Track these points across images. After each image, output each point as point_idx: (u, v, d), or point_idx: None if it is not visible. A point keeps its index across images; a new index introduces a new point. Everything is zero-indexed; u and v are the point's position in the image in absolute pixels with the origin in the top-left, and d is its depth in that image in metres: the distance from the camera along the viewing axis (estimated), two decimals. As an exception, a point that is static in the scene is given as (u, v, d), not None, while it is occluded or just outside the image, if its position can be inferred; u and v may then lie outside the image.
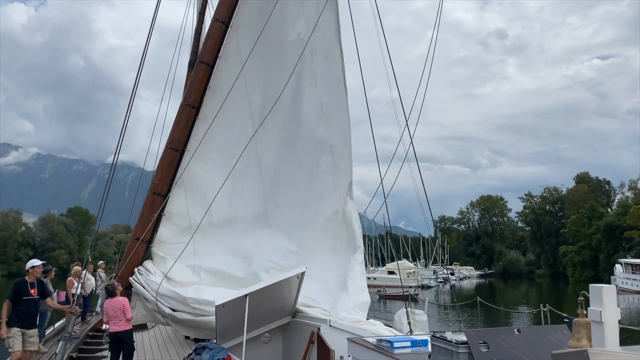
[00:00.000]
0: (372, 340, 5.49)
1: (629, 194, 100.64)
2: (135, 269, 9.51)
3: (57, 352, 8.50)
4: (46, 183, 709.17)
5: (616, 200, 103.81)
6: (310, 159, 9.79)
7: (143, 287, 9.21)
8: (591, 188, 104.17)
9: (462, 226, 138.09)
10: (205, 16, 16.75)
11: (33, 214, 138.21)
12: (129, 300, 9.23)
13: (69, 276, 14.80)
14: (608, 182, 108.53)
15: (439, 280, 78.49)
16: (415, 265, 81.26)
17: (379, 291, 50.32)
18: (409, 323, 8.52)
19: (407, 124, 9.19)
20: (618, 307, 3.50)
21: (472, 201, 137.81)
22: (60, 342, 8.70)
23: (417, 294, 41.55)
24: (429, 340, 4.83)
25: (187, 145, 9.72)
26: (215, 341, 7.54)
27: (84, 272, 13.03)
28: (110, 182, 9.98)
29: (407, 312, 8.70)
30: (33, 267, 9.14)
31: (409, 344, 5.07)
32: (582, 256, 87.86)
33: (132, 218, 11.73)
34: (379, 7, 9.70)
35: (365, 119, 9.91)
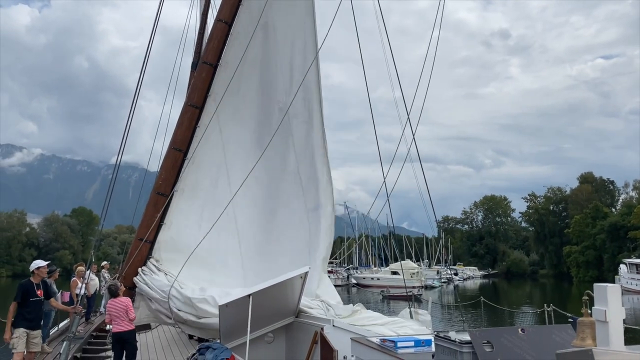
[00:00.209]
0: (376, 340, 5.48)
1: (633, 193, 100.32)
2: (139, 269, 9.53)
3: (61, 352, 8.53)
4: (50, 184, 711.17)
5: (620, 200, 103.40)
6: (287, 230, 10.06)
7: (148, 286, 9.22)
8: (595, 188, 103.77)
9: (466, 226, 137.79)
10: (208, 17, 16.76)
11: (37, 215, 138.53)
12: (133, 301, 9.24)
13: (73, 276, 14.84)
14: (612, 182, 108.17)
15: (442, 280, 78.34)
16: (418, 265, 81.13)
17: (382, 291, 50.24)
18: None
19: (409, 123, 9.18)
20: (622, 306, 3.49)
21: (475, 201, 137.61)
22: (65, 342, 8.73)
23: (421, 294, 41.41)
24: (433, 339, 4.83)
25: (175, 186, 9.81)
26: (218, 341, 7.55)
27: (88, 272, 13.07)
28: (113, 182, 10.02)
29: (410, 312, 8.69)
30: (38, 267, 9.14)
31: (412, 343, 5.06)
32: (586, 256, 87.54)
33: (135, 218, 11.74)
34: (382, 7, 9.70)
35: (368, 119, 9.92)
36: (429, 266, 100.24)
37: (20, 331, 8.72)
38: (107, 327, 9.16)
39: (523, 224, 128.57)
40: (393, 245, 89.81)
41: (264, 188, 10.16)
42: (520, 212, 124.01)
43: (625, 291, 47.97)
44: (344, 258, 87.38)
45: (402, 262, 69.97)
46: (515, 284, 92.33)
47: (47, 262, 9.58)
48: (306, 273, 7.87)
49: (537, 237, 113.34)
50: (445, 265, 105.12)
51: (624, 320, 3.54)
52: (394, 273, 63.31)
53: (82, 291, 12.65)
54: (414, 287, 47.16)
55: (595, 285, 3.55)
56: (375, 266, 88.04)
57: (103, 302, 16.13)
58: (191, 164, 9.87)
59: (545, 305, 14.80)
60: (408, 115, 9.16)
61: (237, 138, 10.23)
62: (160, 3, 11.09)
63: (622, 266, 62.73)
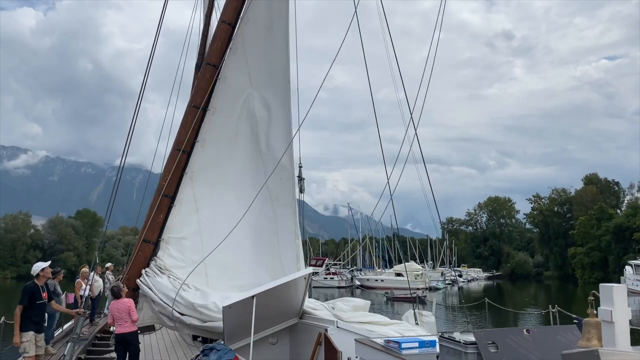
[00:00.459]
0: (380, 341, 5.46)
1: (638, 195, 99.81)
2: (143, 271, 9.53)
3: (65, 353, 8.53)
4: (55, 186, 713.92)
5: (625, 202, 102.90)
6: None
7: (151, 290, 9.22)
8: (600, 189, 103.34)
9: (470, 228, 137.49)
10: (212, 19, 16.81)
11: (42, 217, 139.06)
12: (136, 302, 9.24)
13: (78, 278, 14.87)
14: (617, 183, 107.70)
15: (446, 282, 78.15)
16: (422, 267, 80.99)
17: (386, 293, 50.13)
18: (417, 324, 8.49)
19: (413, 124, 9.16)
20: (629, 307, 3.46)
21: (479, 203, 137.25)
22: (69, 344, 8.74)
23: (425, 296, 41.38)
24: (437, 340, 4.81)
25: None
26: (222, 342, 7.54)
27: (92, 274, 13.09)
28: (117, 184, 10.03)
29: (414, 313, 8.67)
30: (43, 269, 9.14)
31: (416, 344, 5.04)
32: (591, 258, 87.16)
33: (139, 220, 11.77)
34: (386, 8, 9.70)
35: (371, 120, 9.90)
36: (433, 268, 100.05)
37: (30, 335, 8.71)
38: (111, 328, 9.16)
39: (527, 226, 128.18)
40: (397, 247, 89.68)
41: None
42: (524, 214, 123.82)
43: (631, 293, 47.71)
44: (348, 260, 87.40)
45: (406, 263, 69.92)
46: (520, 285, 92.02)
47: (47, 263, 9.56)
48: (310, 274, 7.86)
49: (542, 238, 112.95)
50: (450, 267, 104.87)
51: (630, 321, 3.51)
52: (398, 275, 63.21)
53: (87, 293, 12.67)
54: (418, 289, 47.08)
55: (601, 285, 3.52)
56: (379, 268, 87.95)
57: (107, 303, 16.16)
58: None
59: (550, 306, 14.75)
60: (412, 116, 9.15)
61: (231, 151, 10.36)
62: (164, 5, 11.13)
63: (627, 268, 62.40)
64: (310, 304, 8.75)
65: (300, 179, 11.41)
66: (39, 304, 8.88)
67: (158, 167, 12.84)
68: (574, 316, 12.46)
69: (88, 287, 12.72)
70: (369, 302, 9.52)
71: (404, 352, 4.86)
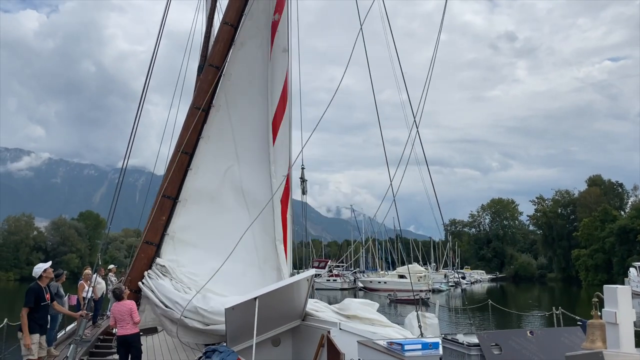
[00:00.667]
0: (383, 343, 5.44)
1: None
2: (145, 273, 9.52)
3: (68, 355, 8.53)
4: (58, 187, 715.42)
5: (629, 203, 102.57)
6: None
7: (152, 291, 9.21)
8: (604, 191, 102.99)
9: (473, 229, 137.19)
10: (215, 20, 16.82)
11: (45, 218, 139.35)
12: (138, 304, 9.23)
13: (80, 280, 14.87)
14: (621, 185, 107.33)
15: (450, 284, 77.98)
16: (425, 269, 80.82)
17: (389, 295, 50.04)
18: (420, 326, 8.47)
19: (416, 125, 9.14)
20: (633, 308, 3.43)
21: (482, 204, 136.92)
22: (72, 346, 8.73)
23: (428, 298, 41.26)
24: (440, 342, 4.78)
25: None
26: (225, 344, 7.53)
27: (94, 275, 13.09)
28: (120, 186, 10.04)
29: (417, 315, 8.64)
30: (45, 270, 9.13)
31: (419, 346, 5.02)
32: (595, 260, 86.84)
33: (142, 222, 11.76)
34: (388, 9, 9.69)
35: (373, 122, 9.89)
36: (437, 270, 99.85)
37: (36, 337, 8.69)
38: (113, 330, 9.15)
39: (531, 227, 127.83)
40: (400, 249, 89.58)
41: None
42: (527, 215, 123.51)
43: (635, 295, 47.47)
44: (351, 262, 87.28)
45: (410, 265, 69.79)
46: (523, 287, 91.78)
47: (48, 264, 9.54)
48: (312, 276, 7.85)
49: (545, 240, 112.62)
50: (453, 269, 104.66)
51: (634, 323, 3.49)
52: (401, 277, 63.09)
53: (89, 295, 12.67)
54: (421, 291, 47.00)
55: (605, 286, 3.50)
56: (382, 270, 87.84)
57: (109, 305, 16.16)
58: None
59: (553, 308, 14.69)
60: (414, 117, 9.13)
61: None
62: (166, 8, 11.15)
63: (631, 270, 62.10)
64: (312, 306, 8.74)
65: (303, 180, 11.44)
66: (43, 306, 8.87)
67: (161, 169, 12.86)
68: (578, 318, 12.39)
69: (91, 289, 12.73)
70: (376, 304, 9.50)
71: (407, 354, 4.83)
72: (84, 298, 13.82)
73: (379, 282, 68.13)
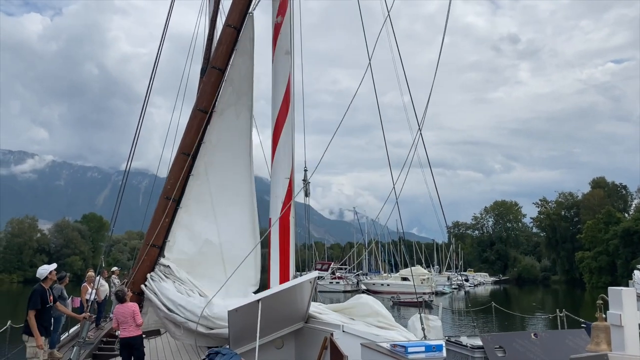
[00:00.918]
0: (386, 345, 5.43)
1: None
2: (148, 275, 9.52)
3: (71, 357, 8.54)
4: (61, 190, 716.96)
5: (633, 205, 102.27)
6: None
7: (155, 294, 9.21)
8: (607, 193, 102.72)
9: (476, 232, 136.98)
10: (217, 23, 16.84)
11: (48, 221, 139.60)
12: (141, 306, 9.22)
13: (84, 282, 14.90)
14: (625, 187, 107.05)
15: (453, 286, 77.79)
16: (428, 271, 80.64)
17: (392, 297, 49.94)
18: (423, 329, 8.44)
19: (419, 127, 9.13)
20: (638, 310, 3.41)
21: (485, 207, 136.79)
22: (75, 348, 8.75)
23: (432, 300, 41.19)
24: (444, 345, 4.76)
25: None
26: (228, 347, 7.52)
27: (98, 278, 13.11)
28: (123, 188, 10.07)
29: (421, 317, 8.61)
30: (51, 272, 9.12)
31: (423, 349, 5.00)
32: (599, 262, 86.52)
33: (145, 224, 11.78)
34: (390, 11, 9.68)
35: (376, 124, 9.89)
36: (440, 272, 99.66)
37: (42, 340, 8.71)
38: (116, 332, 9.15)
39: (534, 230, 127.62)
40: (403, 251, 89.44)
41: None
42: (531, 218, 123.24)
43: None
44: (354, 264, 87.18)
45: (412, 268, 69.69)
46: (527, 290, 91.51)
47: (54, 266, 9.53)
48: (315, 278, 7.84)
49: (549, 242, 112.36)
50: (456, 271, 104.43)
51: (639, 325, 3.46)
52: (404, 279, 63.01)
53: (92, 297, 12.69)
54: (424, 293, 46.86)
55: (610, 288, 3.48)
56: (385, 272, 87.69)
57: (112, 307, 16.17)
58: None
59: (557, 310, 14.64)
60: (417, 120, 9.12)
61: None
62: (169, 10, 11.19)
63: (636, 272, 61.34)
64: (315, 308, 8.72)
65: (306, 182, 11.42)
66: (48, 308, 8.87)
67: (164, 172, 12.86)
68: (582, 321, 12.34)
69: (94, 291, 12.74)
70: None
71: (410, 356, 4.82)
72: (87, 300, 13.85)
73: (382, 285, 67.99)
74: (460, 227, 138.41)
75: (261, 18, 10.89)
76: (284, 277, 10.33)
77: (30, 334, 8.58)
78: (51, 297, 9.04)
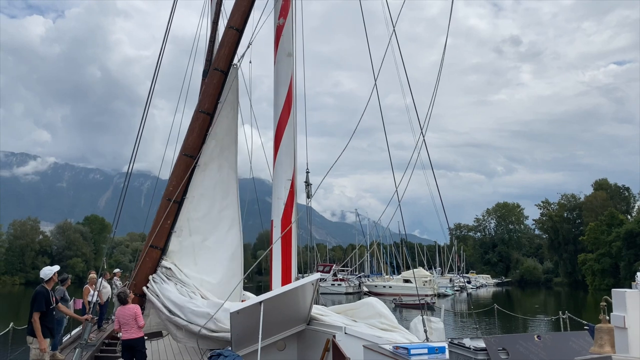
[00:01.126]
0: (389, 347, 5.41)
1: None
2: (150, 277, 9.52)
3: (73, 359, 8.53)
4: (63, 192, 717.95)
5: (636, 207, 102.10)
6: None
7: (157, 296, 9.20)
8: (610, 195, 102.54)
9: (478, 234, 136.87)
10: (219, 25, 16.87)
11: (50, 223, 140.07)
12: (143, 308, 9.22)
13: (86, 284, 14.91)
14: (627, 189, 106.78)
15: (455, 288, 77.69)
16: (431, 273, 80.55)
17: (394, 299, 49.89)
18: (425, 331, 8.43)
19: (421, 129, 9.13)
20: (642, 312, 3.39)
21: (488, 208, 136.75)
22: (77, 350, 8.75)
23: (434, 302, 41.14)
24: (447, 347, 4.75)
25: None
26: (230, 349, 7.51)
27: (100, 279, 13.11)
28: (125, 190, 10.06)
29: (423, 319, 8.60)
30: (54, 273, 9.12)
31: (425, 350, 4.99)
32: (601, 264, 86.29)
33: (147, 226, 11.80)
34: (392, 14, 9.69)
35: (378, 126, 9.88)
36: (442, 274, 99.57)
37: (47, 341, 8.69)
38: (118, 334, 9.15)
39: (536, 232, 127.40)
40: (405, 253, 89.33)
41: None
42: (533, 220, 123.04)
43: (642, 299, 47.01)
44: (356, 266, 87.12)
45: (415, 270, 69.57)
46: (529, 292, 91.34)
47: (57, 267, 9.52)
48: (317, 280, 7.83)
49: (551, 244, 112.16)
50: (458, 273, 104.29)
51: (643, 327, 3.44)
52: (406, 281, 62.96)
53: (94, 298, 12.69)
54: (426, 295, 46.81)
55: (614, 290, 3.47)
56: (387, 274, 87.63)
57: (114, 309, 16.18)
58: (201, 171, 9.96)
59: (560, 312, 14.60)
60: (419, 121, 9.13)
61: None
62: (171, 13, 11.21)
63: (639, 274, 61.51)
64: (318, 311, 8.72)
65: (308, 184, 11.42)
66: (52, 309, 8.85)
67: (166, 173, 12.88)
68: (585, 323, 12.29)
69: (96, 293, 12.74)
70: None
71: (413, 358, 4.81)
72: (89, 302, 13.85)
73: (384, 287, 67.93)
74: (462, 229, 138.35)
75: (263, 20, 10.90)
76: (286, 279, 10.32)
77: (35, 336, 8.57)
78: (54, 299, 9.04)
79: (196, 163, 10.03)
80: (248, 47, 10.75)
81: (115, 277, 18.74)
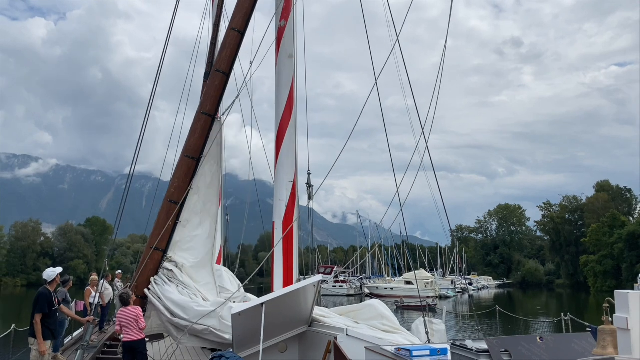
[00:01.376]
0: (391, 349, 5.40)
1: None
2: (152, 279, 9.51)
3: (74, 361, 8.53)
4: (65, 194, 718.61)
5: (638, 209, 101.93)
6: None
7: (159, 298, 9.20)
8: (612, 196, 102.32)
9: (480, 235, 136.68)
10: (220, 27, 16.90)
11: (52, 224, 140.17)
12: (144, 310, 9.21)
13: (87, 286, 14.92)
14: (629, 190, 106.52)
15: (457, 290, 77.59)
16: (432, 275, 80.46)
17: (396, 301, 49.83)
18: (427, 332, 8.41)
19: (422, 131, 9.13)
20: (645, 314, 3.38)
21: (489, 210, 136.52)
22: (78, 351, 8.74)
23: (436, 304, 41.09)
24: (449, 348, 4.74)
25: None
26: (231, 350, 7.50)
27: (102, 281, 13.11)
28: (127, 192, 10.08)
29: (425, 321, 8.58)
30: (57, 275, 9.11)
31: (427, 352, 4.98)
32: (603, 266, 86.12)
33: (148, 228, 11.81)
34: (393, 15, 9.70)
35: (379, 128, 9.87)
36: (443, 276, 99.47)
37: (49, 343, 8.68)
38: (120, 336, 9.15)
39: (538, 233, 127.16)
40: (406, 255, 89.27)
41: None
42: (535, 221, 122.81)
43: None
44: (357, 268, 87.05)
45: (416, 271, 69.49)
46: (531, 293, 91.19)
47: (60, 269, 9.52)
48: (319, 282, 7.82)
49: (553, 246, 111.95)
50: (460, 275, 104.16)
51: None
52: (408, 283, 62.91)
53: (96, 300, 12.70)
54: (428, 297, 46.73)
55: (617, 292, 3.46)
56: (388, 276, 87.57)
57: (116, 311, 16.18)
58: (182, 226, 9.99)
59: (562, 314, 14.58)
60: (421, 123, 9.12)
61: None
62: (173, 14, 11.24)
63: (641, 276, 61.56)
64: (319, 312, 8.71)
65: (309, 186, 11.44)
66: (54, 311, 8.84)
67: (167, 175, 12.89)
68: (587, 324, 12.27)
69: (97, 294, 12.74)
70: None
71: (415, 360, 4.80)
72: (90, 304, 13.86)
73: (386, 289, 67.88)
74: (463, 231, 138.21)
75: (265, 21, 10.92)
76: (287, 281, 10.32)
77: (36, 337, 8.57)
78: (56, 300, 9.03)
79: (195, 169, 10.05)
80: (234, 100, 10.95)
81: (116, 279, 18.75)
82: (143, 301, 9.41)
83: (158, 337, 10.67)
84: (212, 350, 9.56)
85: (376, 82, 9.62)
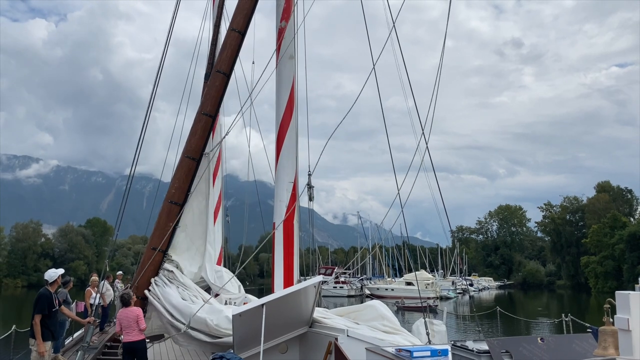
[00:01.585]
0: (391, 350, 5.40)
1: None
2: (152, 280, 9.51)
3: (75, 361, 8.52)
4: (65, 195, 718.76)
5: (639, 209, 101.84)
6: None
7: (159, 299, 9.19)
8: (612, 197, 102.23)
9: (481, 236, 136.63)
10: (221, 28, 16.91)
11: (52, 225, 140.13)
12: (145, 311, 9.20)
13: (88, 287, 14.92)
14: (630, 191, 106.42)
15: (457, 291, 77.54)
16: (433, 276, 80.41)
17: (396, 302, 49.79)
18: (428, 333, 8.40)
19: (423, 132, 9.12)
20: (646, 315, 3.37)
21: (490, 211, 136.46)
22: (79, 352, 8.74)
23: (436, 305, 41.05)
24: (450, 349, 4.73)
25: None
26: (232, 351, 7.50)
27: (103, 282, 13.11)
28: (127, 193, 10.09)
29: (425, 322, 8.57)
30: (58, 276, 9.10)
31: (428, 353, 4.97)
32: (604, 267, 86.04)
33: (149, 229, 11.82)
34: (394, 16, 9.70)
35: (380, 129, 9.88)
36: (444, 277, 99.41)
37: (49, 344, 8.67)
38: (120, 337, 9.15)
39: (539, 234, 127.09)
40: (407, 256, 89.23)
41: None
42: (535, 222, 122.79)
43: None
44: (357, 268, 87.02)
45: (417, 272, 69.45)
46: (532, 294, 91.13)
47: (62, 270, 9.52)
48: (320, 283, 7.82)
49: (554, 247, 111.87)
50: (460, 276, 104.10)
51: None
52: (409, 284, 62.90)
53: (97, 301, 12.70)
54: (429, 298, 46.71)
55: (618, 293, 3.46)
56: (389, 277, 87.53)
57: (116, 312, 16.17)
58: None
59: (563, 315, 14.56)
60: (421, 124, 9.12)
61: None
62: (173, 16, 11.25)
63: (641, 276, 61.48)
64: (320, 313, 8.70)
65: (310, 187, 11.44)
66: (54, 312, 8.83)
67: (168, 176, 12.89)
68: (588, 325, 12.25)
69: (98, 295, 12.74)
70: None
71: (416, 361, 4.79)
72: (91, 305, 13.86)
73: (386, 289, 67.85)
74: (464, 232, 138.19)
75: (265, 22, 10.93)
76: (288, 282, 10.31)
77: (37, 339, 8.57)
78: (57, 301, 9.03)
79: (196, 170, 10.05)
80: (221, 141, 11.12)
81: (116, 280, 18.75)
82: (143, 302, 9.41)
83: (158, 338, 10.66)
84: (213, 351, 9.56)
85: (376, 83, 9.63)
